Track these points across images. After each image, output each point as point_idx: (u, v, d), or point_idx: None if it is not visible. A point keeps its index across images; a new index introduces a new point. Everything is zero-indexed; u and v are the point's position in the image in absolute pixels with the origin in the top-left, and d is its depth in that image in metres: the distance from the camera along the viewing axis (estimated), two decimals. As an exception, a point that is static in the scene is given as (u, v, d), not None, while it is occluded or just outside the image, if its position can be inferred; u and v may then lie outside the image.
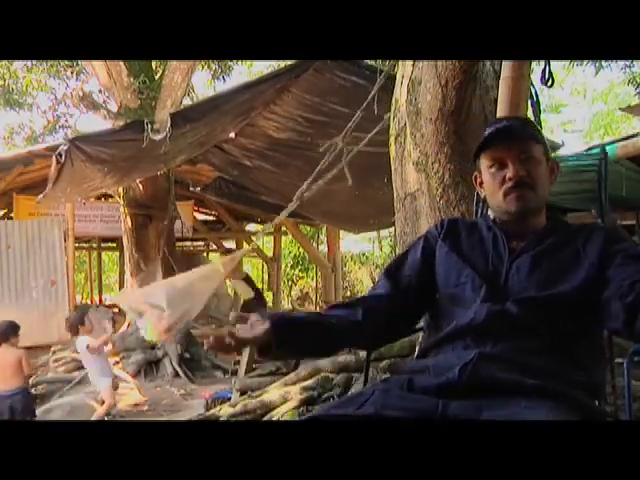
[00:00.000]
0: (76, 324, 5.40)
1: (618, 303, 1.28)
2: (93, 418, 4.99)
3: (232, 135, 6.58)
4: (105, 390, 5.28)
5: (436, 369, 1.33)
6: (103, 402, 5.25)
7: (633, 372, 1.67)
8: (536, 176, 1.44)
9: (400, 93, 3.46)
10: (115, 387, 5.57)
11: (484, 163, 1.50)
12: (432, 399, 1.24)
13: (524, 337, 1.33)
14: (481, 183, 1.54)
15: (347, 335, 1.45)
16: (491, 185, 1.48)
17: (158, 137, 5.41)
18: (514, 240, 1.47)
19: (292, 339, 1.33)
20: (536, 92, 2.75)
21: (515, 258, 1.44)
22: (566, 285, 1.36)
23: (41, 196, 6.31)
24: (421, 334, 1.66)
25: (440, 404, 1.22)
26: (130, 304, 6.35)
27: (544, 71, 2.66)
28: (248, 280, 8.39)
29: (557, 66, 11.26)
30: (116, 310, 11.72)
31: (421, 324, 1.61)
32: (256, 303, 8.15)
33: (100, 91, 8.73)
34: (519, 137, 1.47)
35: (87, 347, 5.22)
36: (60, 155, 5.26)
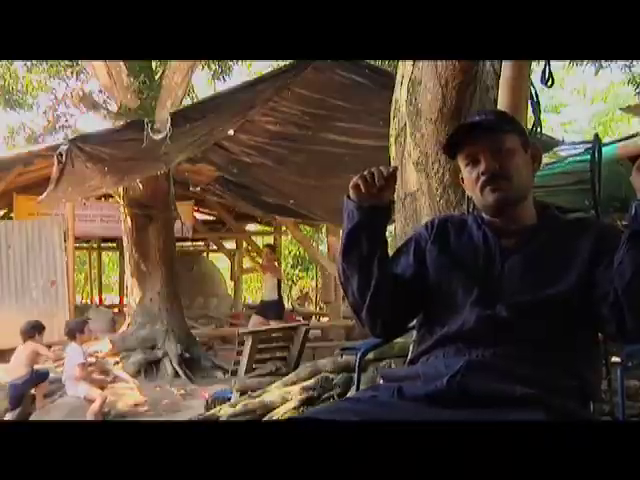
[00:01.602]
0: (75, 331, 5.40)
1: (606, 309, 1.28)
2: (88, 415, 4.95)
3: (231, 132, 6.57)
4: (87, 393, 5.24)
5: (426, 376, 1.33)
6: (92, 401, 5.19)
7: (634, 372, 1.66)
8: (511, 167, 1.41)
9: (400, 93, 3.46)
10: (102, 388, 5.53)
11: (461, 162, 1.49)
12: (422, 408, 1.24)
13: (514, 343, 1.32)
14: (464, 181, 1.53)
15: (383, 280, 1.45)
16: (469, 182, 1.48)
17: (158, 137, 5.39)
18: (504, 238, 1.45)
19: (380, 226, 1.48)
20: (536, 92, 2.75)
21: (506, 258, 1.42)
22: (557, 287, 1.34)
23: (42, 197, 6.29)
24: (414, 333, 1.64)
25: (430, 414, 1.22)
26: None
27: (544, 71, 2.66)
28: (279, 284, 8.41)
29: (557, 66, 11.24)
30: (116, 310, 11.74)
31: (414, 323, 1.60)
32: (275, 308, 8.10)
33: (100, 91, 8.70)
34: (488, 130, 1.43)
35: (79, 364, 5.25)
36: (61, 155, 5.25)
